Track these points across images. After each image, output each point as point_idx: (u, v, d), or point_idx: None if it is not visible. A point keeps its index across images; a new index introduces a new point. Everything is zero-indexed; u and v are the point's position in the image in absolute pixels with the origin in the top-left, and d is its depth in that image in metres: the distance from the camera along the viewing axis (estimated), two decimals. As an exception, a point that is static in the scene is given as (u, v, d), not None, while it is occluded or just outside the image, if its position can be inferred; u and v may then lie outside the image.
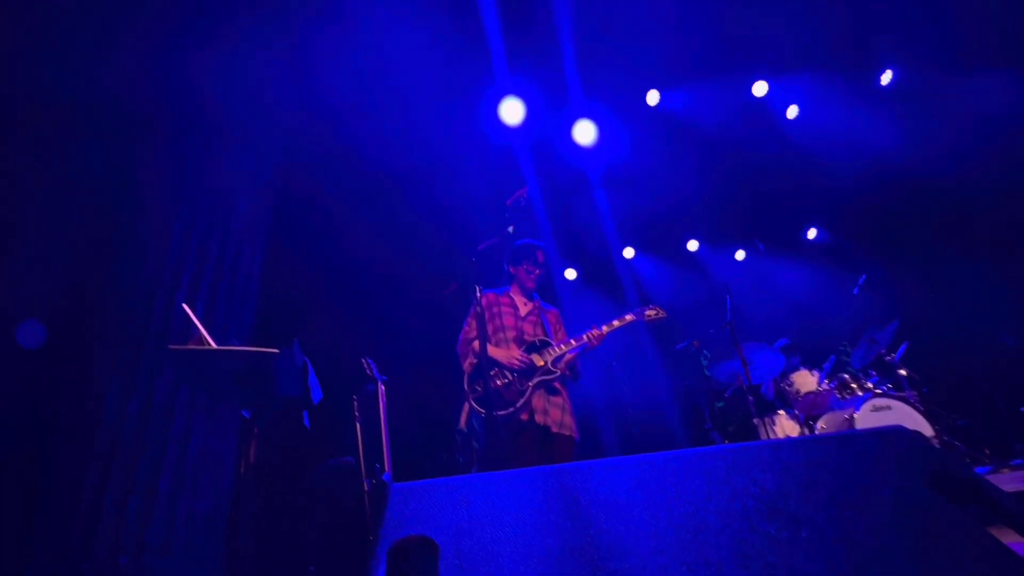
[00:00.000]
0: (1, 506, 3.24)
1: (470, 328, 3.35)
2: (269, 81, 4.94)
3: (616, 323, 3.30)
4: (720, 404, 5.33)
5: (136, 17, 4.22)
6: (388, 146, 5.61)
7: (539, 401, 3.13)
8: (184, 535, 3.52)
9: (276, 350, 2.16)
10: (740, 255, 7.66)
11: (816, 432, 4.48)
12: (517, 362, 3.15)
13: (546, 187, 6.37)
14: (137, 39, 4.22)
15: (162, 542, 3.42)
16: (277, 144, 5.14)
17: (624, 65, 5.76)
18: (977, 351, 5.59)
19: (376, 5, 4.78)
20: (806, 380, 4.90)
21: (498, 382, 3.12)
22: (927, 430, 4.11)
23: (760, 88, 6.13)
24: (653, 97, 6.14)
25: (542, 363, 3.18)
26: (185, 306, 2.35)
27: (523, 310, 3.45)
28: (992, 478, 3.51)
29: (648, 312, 3.41)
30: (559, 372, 3.19)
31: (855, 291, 5.55)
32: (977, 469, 3.29)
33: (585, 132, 6.05)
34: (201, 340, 2.17)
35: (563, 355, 3.23)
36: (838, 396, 4.64)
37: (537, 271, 3.52)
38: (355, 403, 4.10)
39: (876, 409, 4.21)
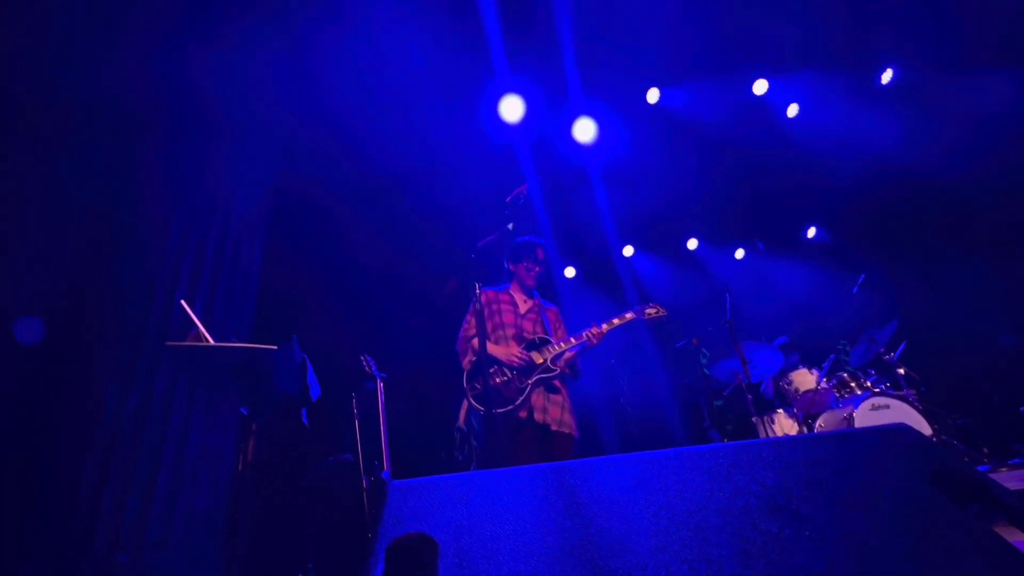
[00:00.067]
0: (0, 504, 3.24)
1: (469, 325, 3.33)
2: (269, 80, 4.93)
3: (616, 321, 3.29)
4: (719, 402, 5.33)
5: (136, 17, 4.22)
6: (387, 144, 5.60)
7: (538, 399, 3.12)
8: (183, 532, 3.51)
9: (274, 347, 2.16)
10: (740, 254, 7.66)
11: (815, 431, 4.48)
12: (517, 360, 3.14)
13: (546, 185, 6.36)
14: (137, 38, 4.22)
15: (161, 539, 3.42)
16: (276, 143, 5.13)
17: (624, 63, 5.75)
18: (976, 351, 5.60)
19: (376, 5, 4.77)
20: (805, 379, 4.90)
21: (497, 380, 3.10)
22: (925, 429, 4.10)
23: (760, 87, 6.12)
24: (653, 95, 6.13)
25: (541, 361, 3.17)
26: (184, 303, 2.35)
27: (523, 307, 3.44)
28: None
29: (648, 310, 3.40)
30: (559, 370, 3.18)
31: (854, 290, 5.54)
32: (976, 468, 3.29)
33: (585, 130, 6.05)
34: (199, 337, 2.17)
35: (563, 353, 3.22)
36: (837, 395, 4.65)
37: (537, 268, 3.51)
38: (354, 400, 4.10)
39: (875, 408, 4.21)
